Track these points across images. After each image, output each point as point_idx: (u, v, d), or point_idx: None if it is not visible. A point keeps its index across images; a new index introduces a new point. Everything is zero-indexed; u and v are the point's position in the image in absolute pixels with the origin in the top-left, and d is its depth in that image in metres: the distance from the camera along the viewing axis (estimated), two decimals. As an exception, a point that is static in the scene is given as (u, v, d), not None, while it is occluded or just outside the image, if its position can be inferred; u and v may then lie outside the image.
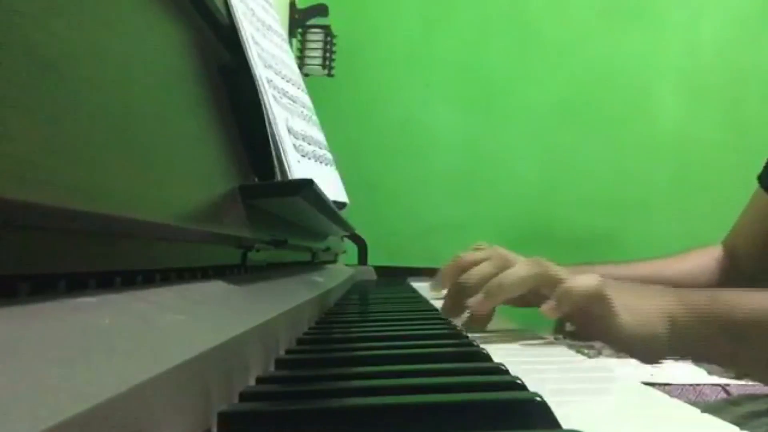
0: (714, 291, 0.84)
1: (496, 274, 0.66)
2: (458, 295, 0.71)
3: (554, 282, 0.64)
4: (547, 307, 0.63)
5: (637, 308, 0.66)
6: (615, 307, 0.64)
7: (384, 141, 2.71)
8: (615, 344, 0.66)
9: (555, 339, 0.69)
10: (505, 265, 0.67)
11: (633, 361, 0.68)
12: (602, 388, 0.41)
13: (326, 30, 2.39)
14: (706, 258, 1.01)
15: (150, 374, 0.21)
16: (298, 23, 2.33)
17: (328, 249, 1.03)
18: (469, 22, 2.74)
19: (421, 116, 2.72)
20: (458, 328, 0.62)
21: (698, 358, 0.71)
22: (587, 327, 0.66)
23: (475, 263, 0.71)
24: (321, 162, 0.83)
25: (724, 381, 1.57)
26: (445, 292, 0.79)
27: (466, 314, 0.71)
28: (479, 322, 0.67)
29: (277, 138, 0.65)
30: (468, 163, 2.72)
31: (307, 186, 0.51)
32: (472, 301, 0.67)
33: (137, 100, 0.35)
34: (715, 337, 0.65)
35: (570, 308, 0.63)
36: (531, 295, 0.66)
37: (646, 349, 0.66)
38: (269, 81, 0.70)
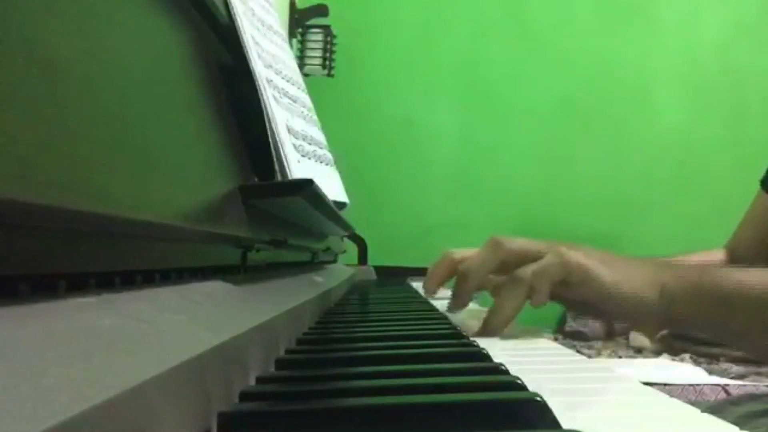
0: (702, 265, 0.86)
1: (493, 259, 0.68)
2: (459, 285, 0.72)
3: (532, 258, 0.65)
4: (532, 300, 0.64)
5: (627, 274, 0.66)
6: (591, 269, 0.64)
7: (384, 141, 2.71)
8: (605, 305, 0.66)
9: (555, 339, 0.69)
10: (495, 249, 0.68)
11: (633, 361, 0.68)
12: (602, 388, 0.41)
13: (326, 30, 2.39)
14: (712, 260, 1.01)
15: (150, 374, 0.21)
16: (298, 23, 2.33)
17: (328, 249, 1.03)
18: (469, 23, 2.74)
19: (420, 116, 2.72)
20: (458, 328, 0.62)
21: (688, 329, 0.72)
22: (576, 298, 0.67)
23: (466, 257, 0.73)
24: (321, 162, 0.83)
25: (724, 381, 1.57)
26: (442, 294, 0.79)
27: (471, 318, 0.71)
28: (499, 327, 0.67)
29: (277, 138, 0.65)
30: (468, 163, 2.72)
31: (307, 186, 0.51)
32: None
33: (137, 100, 0.35)
34: (704, 308, 0.66)
35: (550, 288, 0.64)
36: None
37: (638, 312, 0.66)
38: (269, 81, 0.70)
